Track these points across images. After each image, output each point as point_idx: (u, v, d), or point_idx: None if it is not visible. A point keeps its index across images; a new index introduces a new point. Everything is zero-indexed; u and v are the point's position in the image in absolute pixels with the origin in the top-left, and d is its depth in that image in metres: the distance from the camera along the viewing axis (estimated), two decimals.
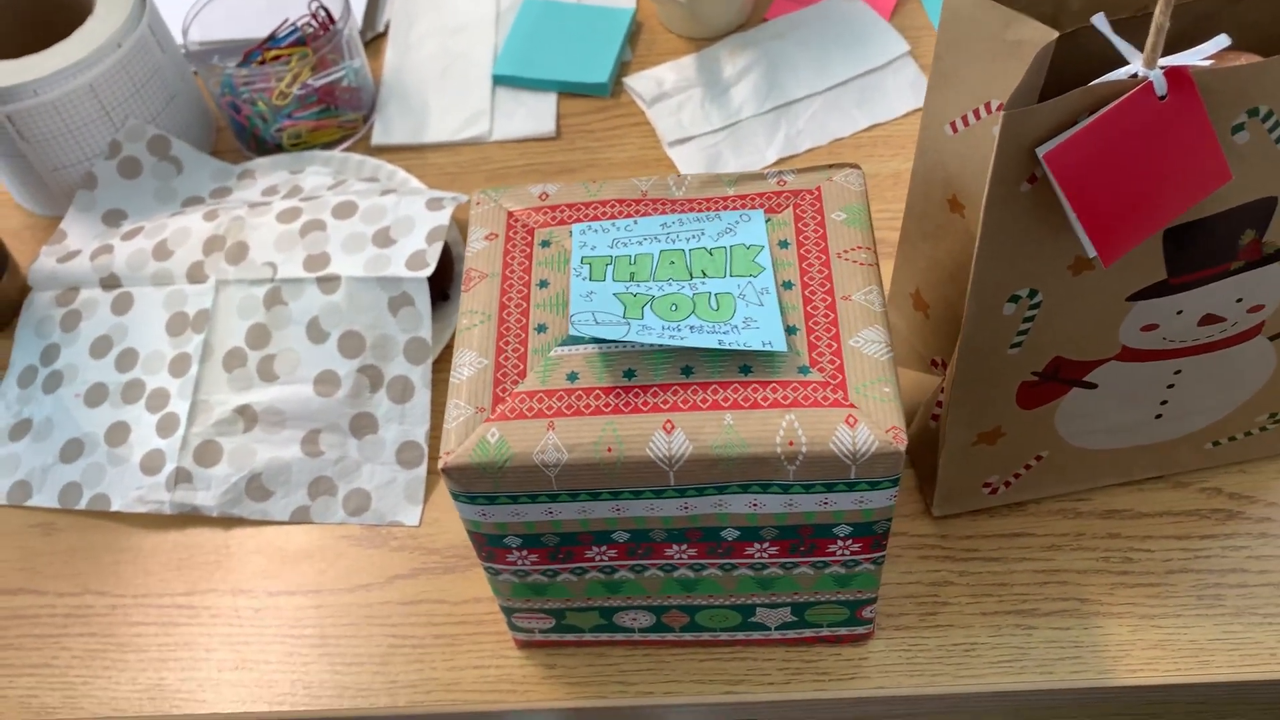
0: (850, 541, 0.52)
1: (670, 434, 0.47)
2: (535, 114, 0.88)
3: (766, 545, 0.53)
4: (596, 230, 0.54)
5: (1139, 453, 0.63)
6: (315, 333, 0.71)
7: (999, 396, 0.57)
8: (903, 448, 0.46)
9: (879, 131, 0.84)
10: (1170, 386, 0.59)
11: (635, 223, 0.54)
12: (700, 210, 0.55)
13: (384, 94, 0.90)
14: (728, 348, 0.48)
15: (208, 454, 0.69)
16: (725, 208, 0.55)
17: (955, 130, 0.54)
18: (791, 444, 0.47)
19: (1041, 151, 0.45)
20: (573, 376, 0.49)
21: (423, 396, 0.70)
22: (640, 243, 0.53)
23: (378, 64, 0.93)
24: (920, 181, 0.58)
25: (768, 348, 0.48)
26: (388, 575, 0.66)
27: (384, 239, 0.72)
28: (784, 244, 0.53)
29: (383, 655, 0.64)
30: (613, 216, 0.55)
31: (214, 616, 0.66)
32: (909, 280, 0.64)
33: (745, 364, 0.48)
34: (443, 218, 0.73)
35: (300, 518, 0.69)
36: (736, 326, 0.49)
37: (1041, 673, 0.60)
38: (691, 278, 0.51)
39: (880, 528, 0.51)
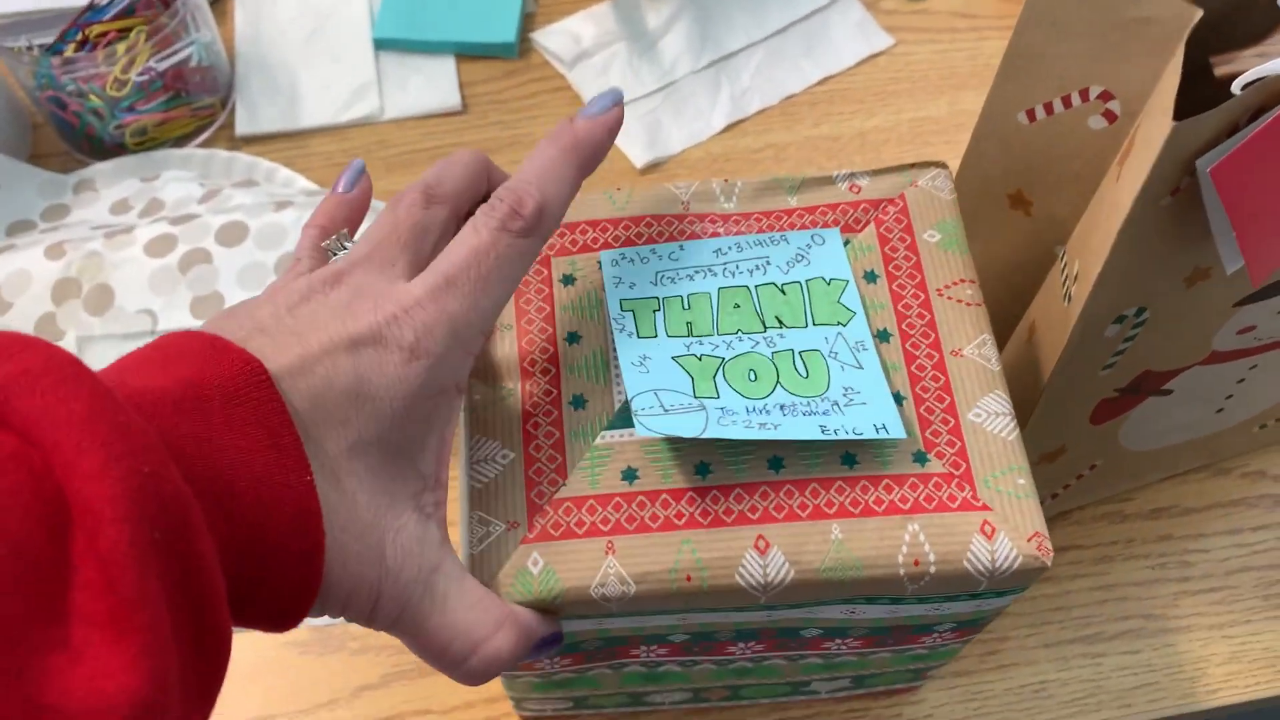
0: (949, 634, 0.44)
1: (765, 554, 0.37)
2: (433, 83, 0.74)
3: (850, 641, 0.44)
4: (632, 260, 0.42)
5: (1189, 446, 0.58)
6: None
7: (1074, 417, 0.50)
8: (1049, 560, 0.38)
9: (834, 85, 0.74)
10: (1240, 381, 0.53)
11: (681, 248, 0.43)
12: (760, 229, 0.43)
13: (241, 70, 0.74)
14: (832, 437, 0.38)
15: None
16: (791, 225, 0.43)
17: (1033, 119, 0.45)
18: (917, 563, 0.37)
19: (1206, 166, 0.36)
20: (630, 475, 0.38)
21: None
22: (691, 277, 0.42)
23: (227, 32, 0.77)
24: (973, 173, 0.49)
25: (882, 433, 0.38)
26: (353, 687, 0.55)
27: None
28: (871, 276, 0.42)
29: None
30: (650, 240, 0.43)
31: None
32: None
33: (848, 452, 0.39)
34: None
35: None
36: (836, 403, 0.39)
37: (1120, 707, 0.54)
38: (765, 328, 0.40)
39: (987, 620, 0.43)
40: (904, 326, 0.41)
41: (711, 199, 0.44)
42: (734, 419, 0.38)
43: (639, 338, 0.40)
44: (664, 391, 0.38)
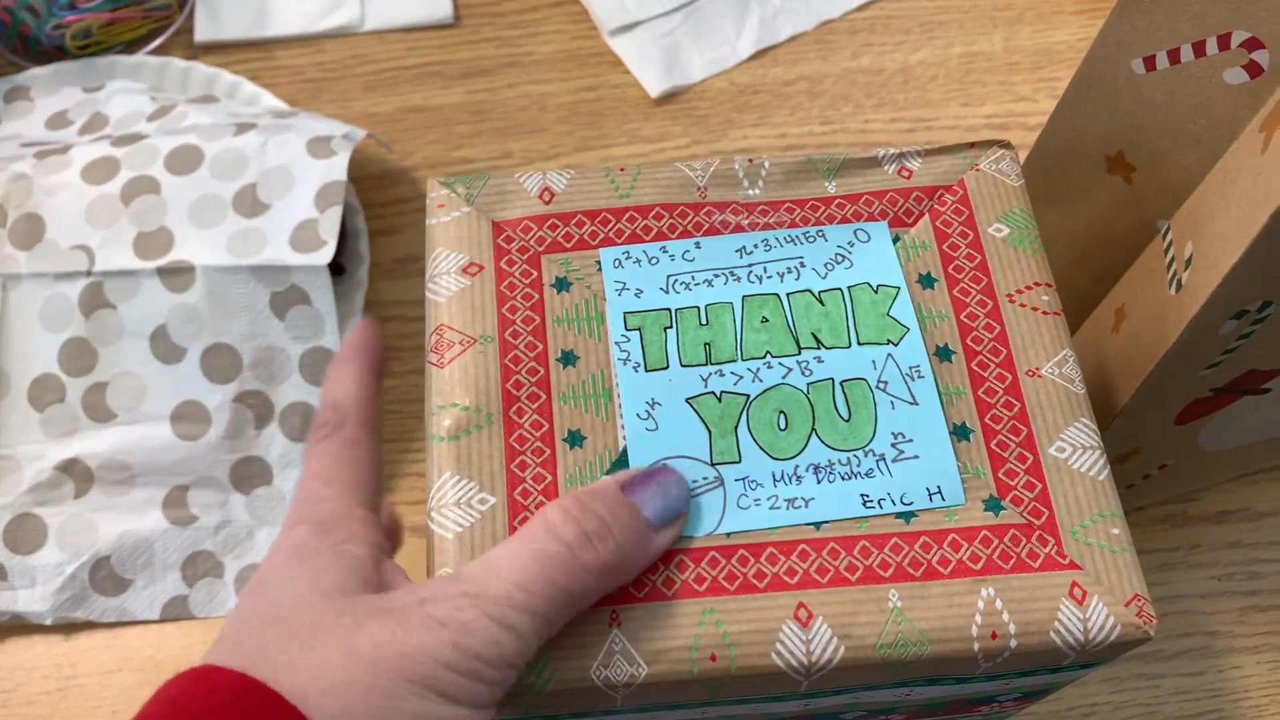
0: (1010, 703, 0.37)
1: (807, 627, 0.30)
2: None
3: (896, 718, 0.37)
4: (638, 260, 0.35)
5: (1270, 443, 0.51)
6: (164, 348, 0.49)
7: (1159, 418, 0.43)
8: (1153, 630, 0.31)
9: (876, 11, 0.66)
10: None
11: (697, 246, 0.36)
12: (792, 223, 0.36)
13: None
14: (876, 511, 0.31)
15: (24, 535, 0.48)
16: (829, 218, 0.36)
17: (1152, 67, 0.37)
18: (995, 635, 0.30)
19: None
20: None
21: None
22: (710, 282, 0.35)
23: None
24: (1065, 126, 0.42)
25: (937, 501, 0.32)
26: None
27: (251, 203, 0.50)
28: (927, 281, 0.35)
29: None
30: (660, 235, 0.36)
31: None
32: None
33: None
34: (336, 169, 0.51)
35: (176, 612, 0.49)
36: (883, 457, 0.32)
37: None
38: (800, 349, 0.34)
39: (1058, 689, 0.36)
40: (969, 341, 0.34)
41: (733, 183, 0.37)
42: (758, 495, 0.32)
43: (646, 371, 0.33)
44: (675, 461, 0.32)
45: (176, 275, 0.49)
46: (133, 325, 0.49)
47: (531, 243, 0.36)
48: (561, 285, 0.35)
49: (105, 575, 0.48)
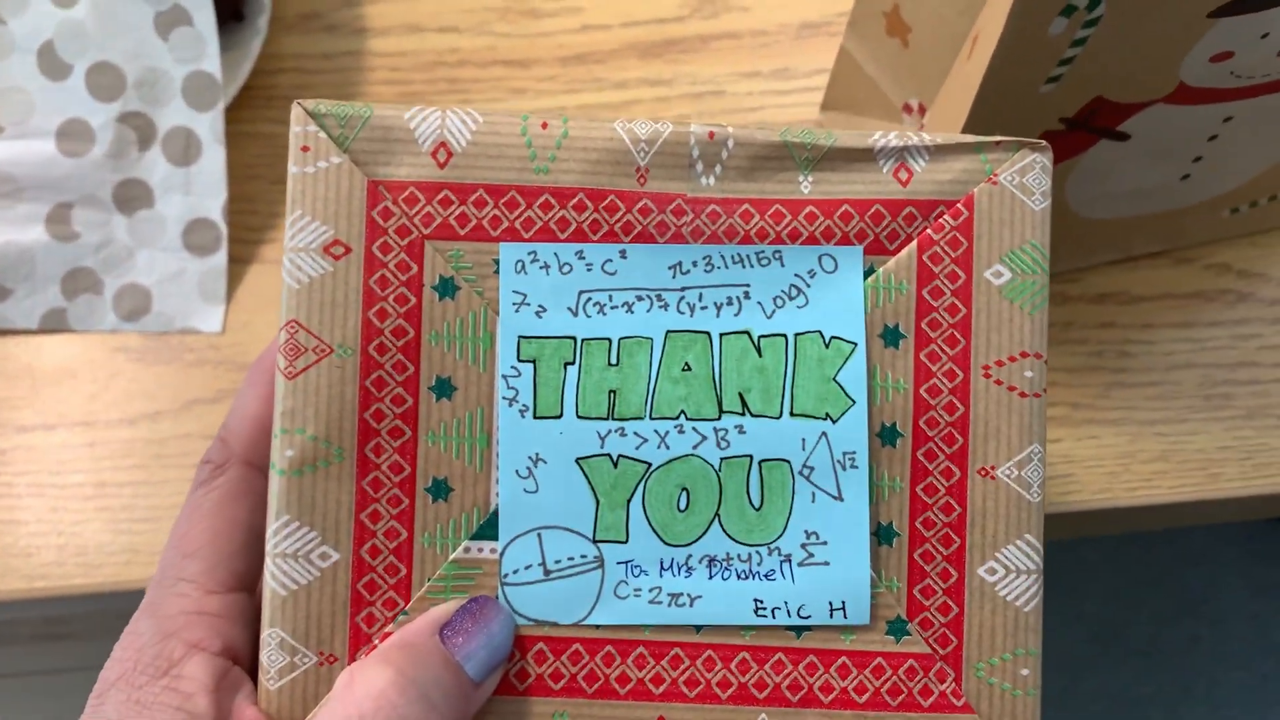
0: None
1: None
2: None
3: None
4: (548, 265, 0.29)
5: (1145, 223, 0.51)
6: (51, 64, 0.50)
7: None
8: None
9: None
10: (1212, 139, 0.46)
11: (623, 255, 0.30)
12: (745, 234, 0.30)
13: None
14: (767, 621, 0.29)
15: None
16: (793, 233, 0.30)
17: None
18: None
19: None
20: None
21: (214, 156, 0.51)
22: (630, 306, 0.29)
23: None
24: None
25: (838, 618, 0.29)
26: (183, 400, 0.49)
27: None
28: (892, 336, 0.30)
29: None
30: (579, 232, 0.30)
31: None
32: None
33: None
34: None
35: (54, 324, 0.50)
36: (789, 558, 0.29)
37: None
38: (721, 412, 0.29)
39: None
40: (922, 424, 0.30)
41: (683, 165, 0.30)
42: (639, 584, 0.29)
43: (535, 417, 0.29)
44: (552, 532, 0.29)
45: None
46: (21, 40, 0.50)
47: (416, 221, 0.29)
48: (446, 288, 0.29)
49: None
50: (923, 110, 0.50)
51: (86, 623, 0.52)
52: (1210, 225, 0.52)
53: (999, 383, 0.30)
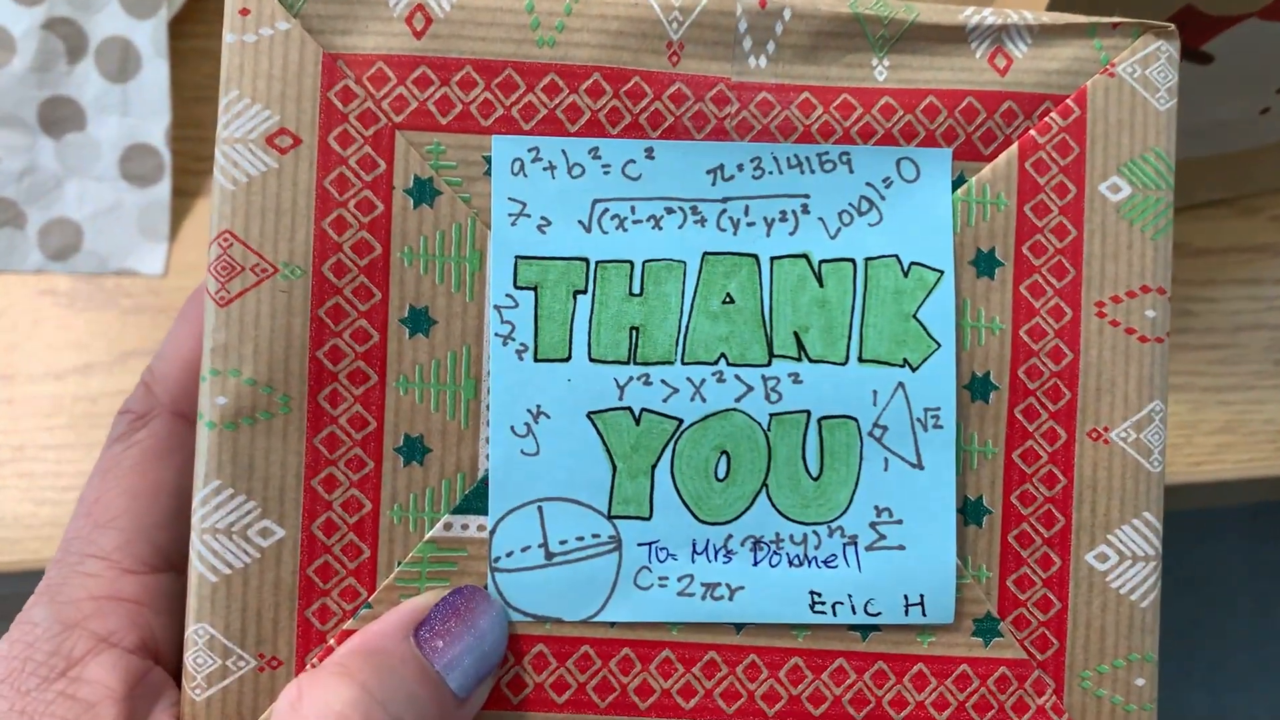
0: None
1: None
2: None
3: None
4: (554, 165, 0.24)
5: (1213, 165, 0.46)
6: None
7: None
8: None
9: None
10: None
11: (650, 155, 0.24)
12: (804, 130, 0.24)
13: None
14: (827, 619, 0.23)
15: None
16: (865, 131, 0.24)
17: None
18: None
19: None
20: None
21: (155, 71, 0.44)
22: (658, 220, 0.24)
23: None
24: None
25: (914, 616, 0.24)
26: (118, 352, 0.43)
27: None
28: (986, 263, 0.24)
29: None
30: (594, 124, 0.24)
31: None
32: None
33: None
34: None
35: None
36: (854, 539, 0.24)
37: None
38: (771, 356, 0.24)
39: None
40: (1021, 374, 0.24)
41: (727, 42, 0.24)
42: (666, 571, 0.23)
43: (536, 360, 0.23)
44: (557, 504, 0.23)
45: None
46: None
47: (385, 106, 0.23)
48: (423, 192, 0.23)
49: None
50: None
51: (2, 606, 0.46)
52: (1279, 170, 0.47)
53: (1115, 323, 0.24)
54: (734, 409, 0.24)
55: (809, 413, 0.24)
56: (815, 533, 0.24)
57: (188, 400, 0.24)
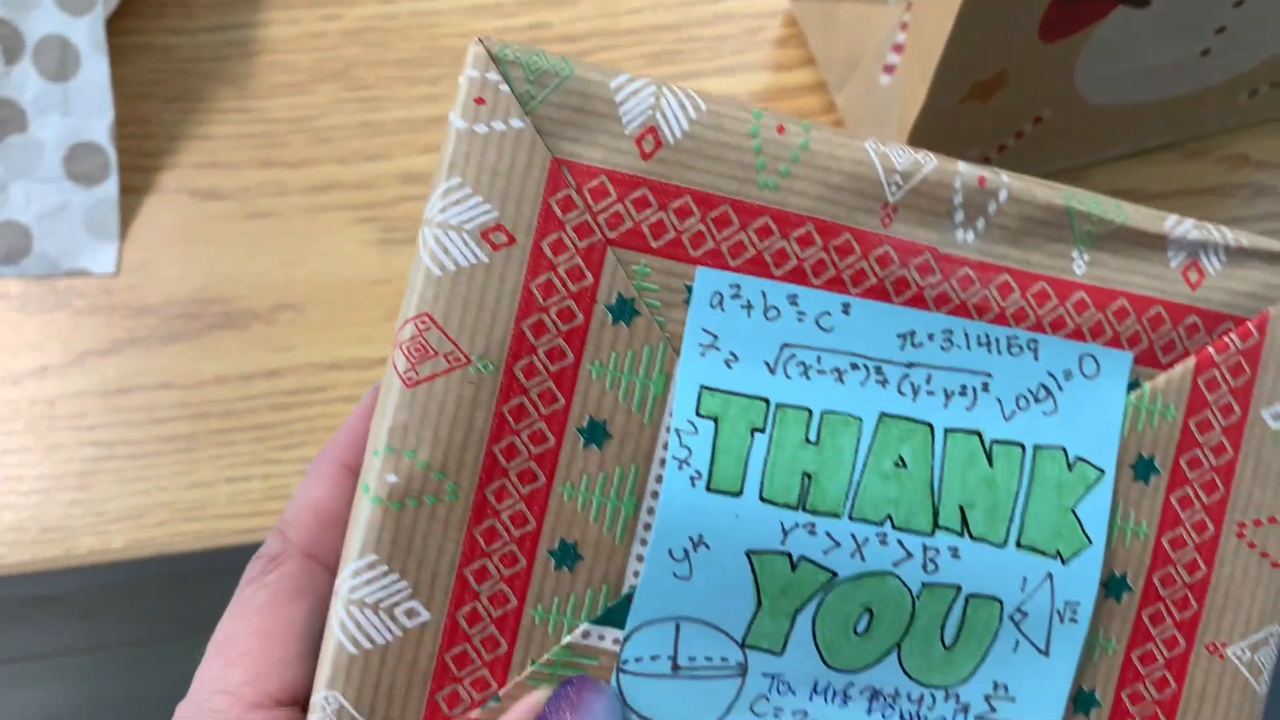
0: None
1: None
2: None
3: None
4: (751, 304, 0.24)
5: (1159, 109, 0.46)
6: None
7: (1017, 23, 0.37)
8: None
9: None
10: (1238, 4, 0.40)
11: (846, 311, 0.24)
12: (998, 312, 0.25)
13: None
14: None
15: None
16: (1057, 322, 0.25)
17: None
18: None
19: None
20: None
21: (95, 68, 0.44)
22: (843, 374, 0.24)
23: None
24: None
25: None
26: (74, 353, 0.43)
27: None
28: (1144, 469, 0.25)
29: (79, 475, 0.41)
30: (798, 270, 0.24)
31: None
32: None
33: None
34: None
35: None
36: (966, 709, 0.24)
37: None
38: (935, 528, 0.24)
39: None
40: (1156, 579, 0.25)
41: (941, 213, 0.24)
42: (782, 703, 0.24)
43: (708, 490, 0.23)
44: (695, 625, 0.23)
45: None
46: None
47: (602, 221, 0.23)
48: (623, 310, 0.23)
49: None
50: None
51: None
52: (1227, 111, 0.48)
53: (1252, 545, 0.26)
54: (890, 573, 0.24)
55: (959, 588, 0.24)
56: (932, 694, 0.24)
57: (321, 544, 0.25)
